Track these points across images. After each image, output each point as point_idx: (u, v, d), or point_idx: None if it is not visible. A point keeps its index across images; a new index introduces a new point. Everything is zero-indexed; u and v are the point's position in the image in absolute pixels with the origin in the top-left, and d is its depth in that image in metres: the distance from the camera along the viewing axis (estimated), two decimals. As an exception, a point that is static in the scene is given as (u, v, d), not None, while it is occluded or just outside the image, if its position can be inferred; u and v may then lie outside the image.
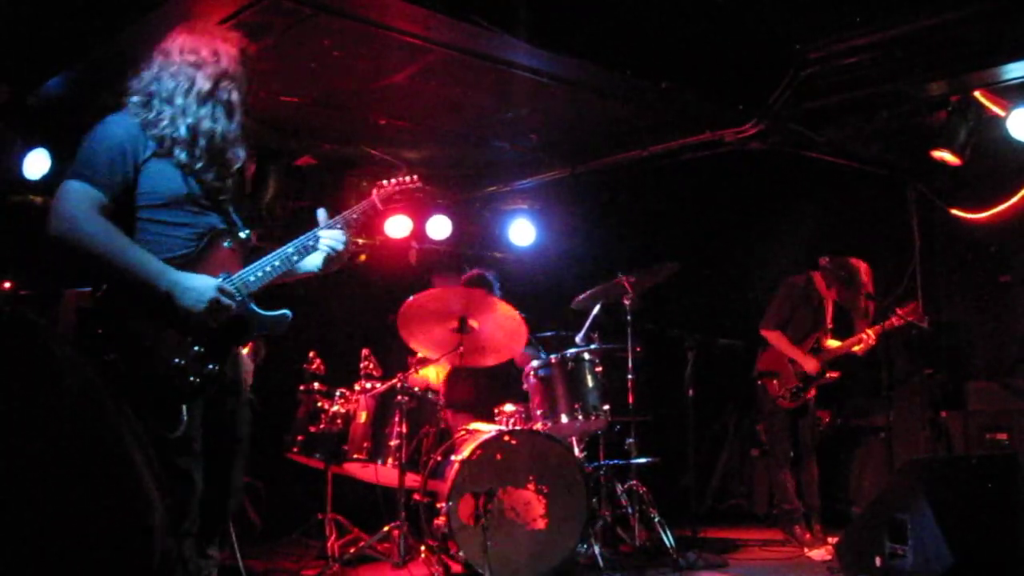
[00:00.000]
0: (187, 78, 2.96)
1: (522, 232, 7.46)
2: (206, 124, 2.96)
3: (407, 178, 3.45)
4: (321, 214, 3.23)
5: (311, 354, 5.53)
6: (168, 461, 2.70)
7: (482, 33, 4.34)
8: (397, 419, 5.15)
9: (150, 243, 2.88)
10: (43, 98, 5.03)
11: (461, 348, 5.33)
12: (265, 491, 6.00)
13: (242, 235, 3.07)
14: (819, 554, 5.60)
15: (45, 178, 5.28)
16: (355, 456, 5.25)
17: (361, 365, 5.52)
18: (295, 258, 3.10)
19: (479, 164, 6.71)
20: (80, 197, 2.81)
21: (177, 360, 2.81)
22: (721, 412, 7.87)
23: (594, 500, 5.23)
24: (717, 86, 5.21)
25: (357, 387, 5.47)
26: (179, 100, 2.94)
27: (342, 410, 5.43)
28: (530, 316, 5.72)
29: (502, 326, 5.43)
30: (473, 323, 5.33)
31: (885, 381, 5.71)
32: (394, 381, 5.25)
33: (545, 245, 7.58)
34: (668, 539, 5.36)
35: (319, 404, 5.43)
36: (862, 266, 5.98)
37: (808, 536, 5.89)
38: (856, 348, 6.01)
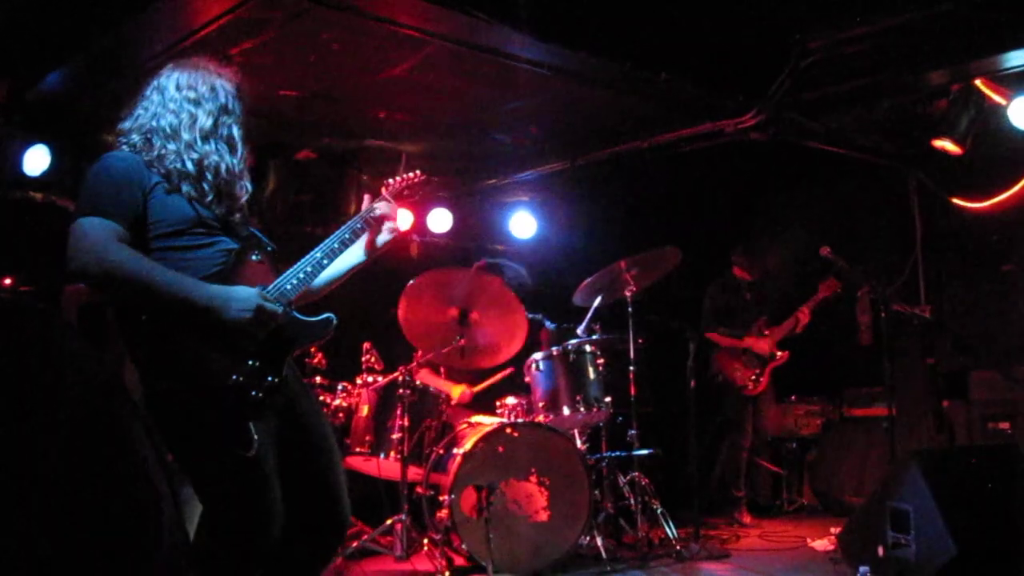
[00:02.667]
0: (189, 115, 2.87)
1: (523, 224, 7.46)
2: (212, 159, 2.87)
3: (411, 174, 3.41)
4: (366, 202, 3.19)
5: (312, 348, 5.52)
6: (242, 482, 2.62)
7: (481, 25, 4.33)
8: (399, 412, 5.16)
9: (177, 269, 2.70)
10: (42, 93, 5.02)
11: (461, 340, 5.35)
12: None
13: (268, 248, 2.97)
14: (822, 544, 5.61)
15: (45, 174, 5.25)
16: (357, 450, 5.26)
17: (363, 359, 5.52)
18: (325, 262, 3.00)
19: (479, 157, 6.69)
20: (97, 230, 2.63)
21: (236, 377, 2.64)
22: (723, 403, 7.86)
23: (596, 492, 5.24)
24: (717, 76, 5.20)
25: (359, 381, 5.48)
26: (185, 135, 2.85)
27: (344, 404, 5.44)
28: (530, 308, 5.71)
29: (503, 322, 5.43)
30: (475, 316, 5.33)
31: (887, 371, 5.70)
32: (396, 375, 5.25)
33: (546, 237, 7.57)
34: (671, 530, 5.38)
35: (321, 398, 5.44)
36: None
37: (748, 519, 6.52)
38: (796, 329, 6.67)
